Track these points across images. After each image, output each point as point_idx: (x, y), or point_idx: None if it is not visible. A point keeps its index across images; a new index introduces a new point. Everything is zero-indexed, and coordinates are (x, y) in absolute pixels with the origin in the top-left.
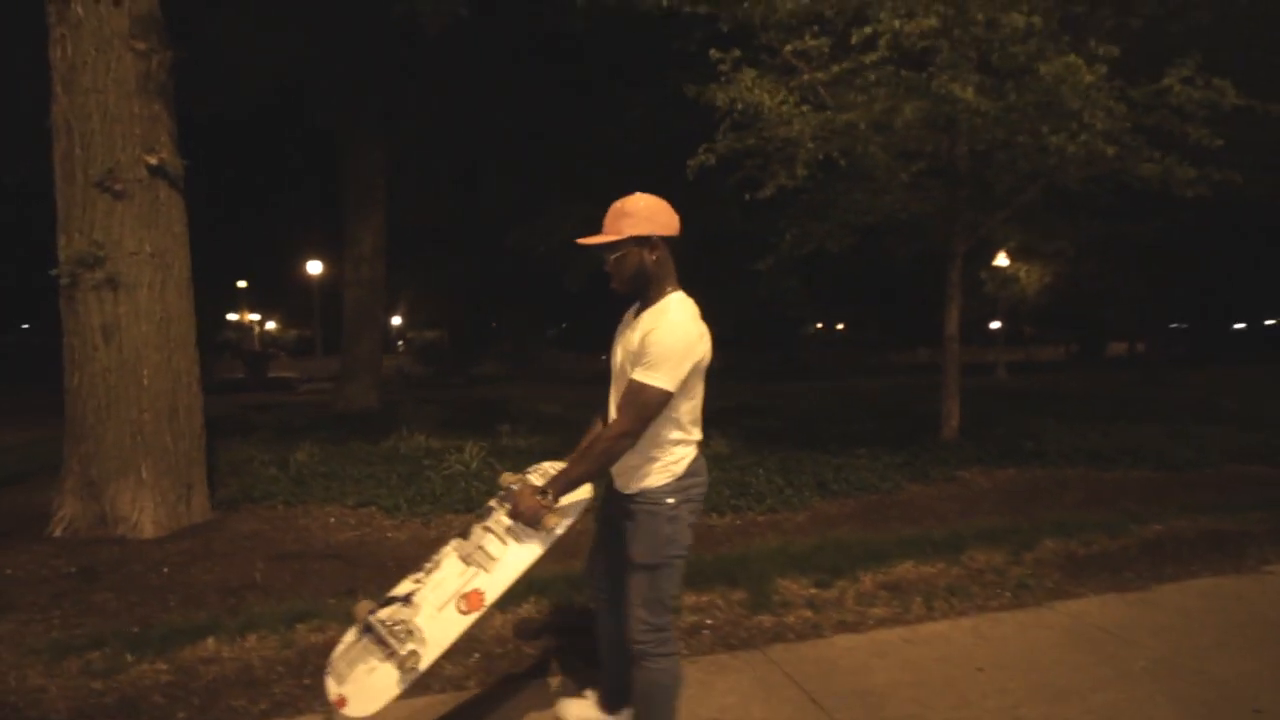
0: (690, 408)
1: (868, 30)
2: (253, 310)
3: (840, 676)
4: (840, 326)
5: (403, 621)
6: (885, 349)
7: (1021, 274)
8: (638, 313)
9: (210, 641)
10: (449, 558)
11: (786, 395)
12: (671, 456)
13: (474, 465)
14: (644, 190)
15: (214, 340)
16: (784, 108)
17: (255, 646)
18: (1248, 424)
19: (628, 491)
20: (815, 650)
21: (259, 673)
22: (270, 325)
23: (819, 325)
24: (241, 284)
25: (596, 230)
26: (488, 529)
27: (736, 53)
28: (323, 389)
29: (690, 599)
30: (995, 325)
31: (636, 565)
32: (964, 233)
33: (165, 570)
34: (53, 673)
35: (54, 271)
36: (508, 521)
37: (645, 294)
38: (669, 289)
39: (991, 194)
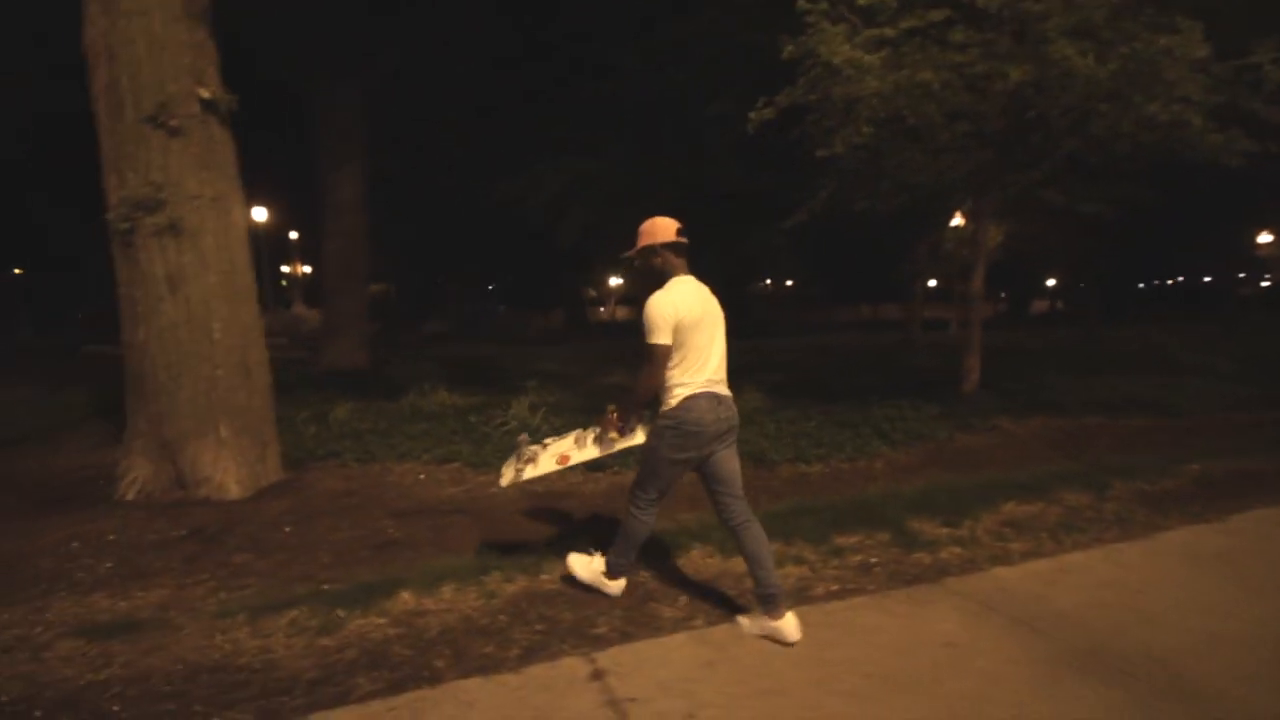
0: (681, 357)
1: None
2: None
3: (1027, 602)
4: (789, 283)
5: (531, 451)
6: (832, 306)
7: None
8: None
9: (406, 595)
10: (567, 437)
11: (771, 351)
12: (672, 396)
13: (535, 421)
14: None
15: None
16: (867, 59)
17: (455, 598)
18: (1209, 375)
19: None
20: (984, 582)
21: (483, 622)
22: None
23: (768, 282)
24: None
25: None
26: (586, 433)
27: (824, 5)
28: (276, 343)
29: (845, 540)
30: (932, 283)
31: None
32: (996, 193)
33: (287, 529)
34: (261, 632)
35: (108, 215)
36: (592, 433)
37: (660, 283)
38: (676, 276)
39: (1018, 157)
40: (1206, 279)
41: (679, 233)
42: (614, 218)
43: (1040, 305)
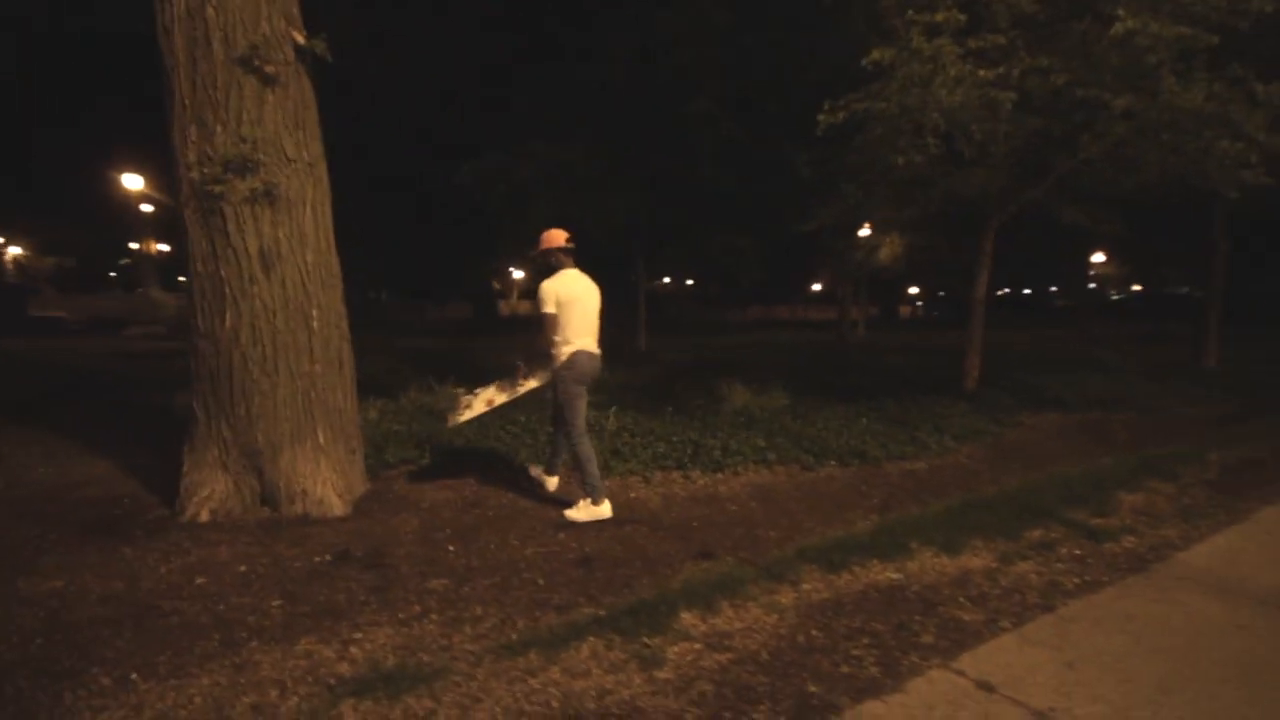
0: (566, 323)
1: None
2: None
3: (1239, 582)
4: (690, 283)
5: (468, 400)
6: (726, 306)
7: (885, 244)
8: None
9: (688, 615)
10: (489, 387)
11: (721, 348)
12: (562, 352)
13: (610, 425)
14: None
15: None
16: (956, 70)
17: (739, 615)
18: (1136, 375)
19: (553, 366)
20: (1191, 562)
21: (799, 639)
22: (14, 251)
23: (666, 280)
24: None
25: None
26: (502, 383)
27: (937, 16)
28: (152, 332)
29: (1031, 533)
30: (816, 287)
31: (557, 401)
32: (1003, 205)
33: (451, 548)
34: (572, 670)
35: (189, 174)
36: (507, 382)
37: (553, 274)
38: (564, 269)
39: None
40: (1026, 291)
41: (568, 240)
42: (582, 208)
43: (905, 311)
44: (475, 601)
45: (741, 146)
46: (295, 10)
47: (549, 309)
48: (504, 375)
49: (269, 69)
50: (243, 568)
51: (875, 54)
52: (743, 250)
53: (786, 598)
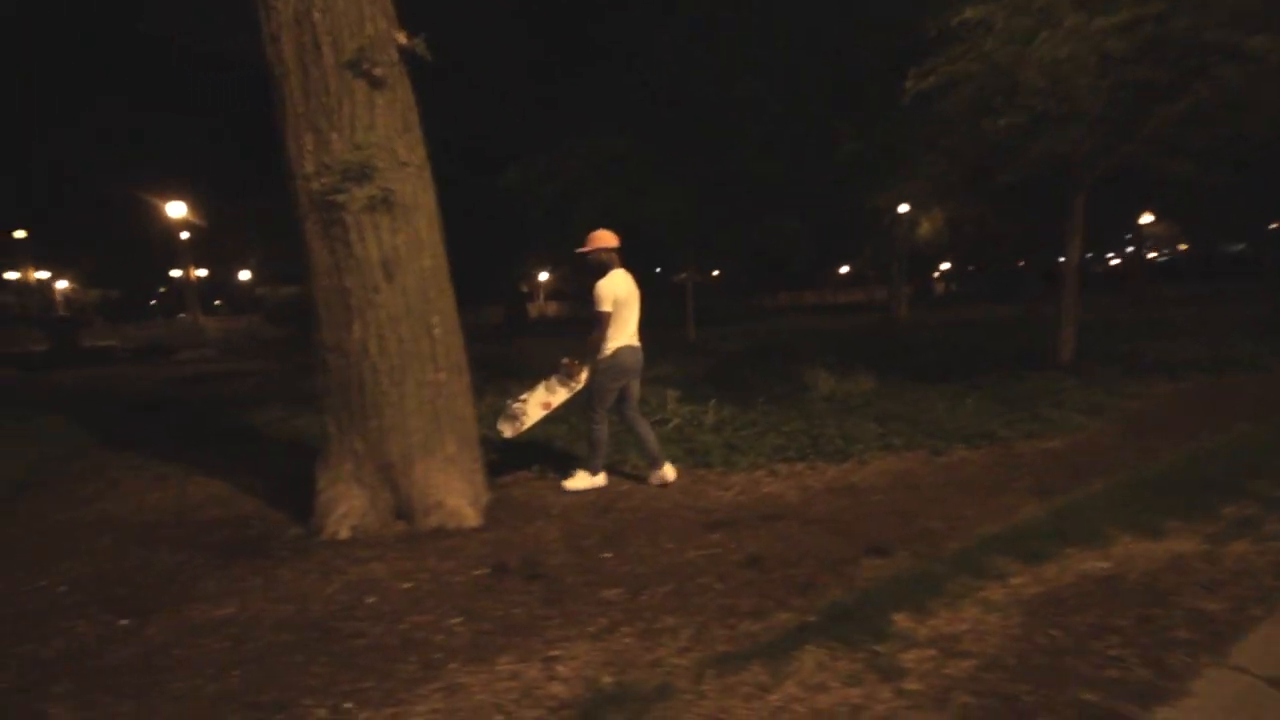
0: (614, 321)
1: None
2: (38, 267)
3: None
4: (715, 274)
5: (519, 408)
6: (752, 295)
7: (924, 220)
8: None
9: (899, 616)
10: (537, 390)
11: (777, 335)
12: (608, 347)
13: (710, 419)
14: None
15: None
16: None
17: (953, 616)
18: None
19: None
20: None
21: (1069, 641)
22: (61, 285)
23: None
24: (20, 234)
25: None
26: (551, 382)
27: None
28: (204, 355)
29: (1229, 510)
30: (843, 270)
31: (588, 388)
32: (1094, 163)
33: (606, 555)
34: (809, 684)
35: (309, 185)
36: (556, 380)
37: (603, 273)
38: (614, 269)
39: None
40: (1061, 259)
41: (619, 241)
42: (630, 203)
43: (939, 287)
44: (660, 611)
45: (792, 125)
46: (392, 10)
47: (606, 308)
48: (549, 375)
49: (377, 71)
50: (406, 585)
51: (970, 11)
52: (793, 233)
53: (997, 594)
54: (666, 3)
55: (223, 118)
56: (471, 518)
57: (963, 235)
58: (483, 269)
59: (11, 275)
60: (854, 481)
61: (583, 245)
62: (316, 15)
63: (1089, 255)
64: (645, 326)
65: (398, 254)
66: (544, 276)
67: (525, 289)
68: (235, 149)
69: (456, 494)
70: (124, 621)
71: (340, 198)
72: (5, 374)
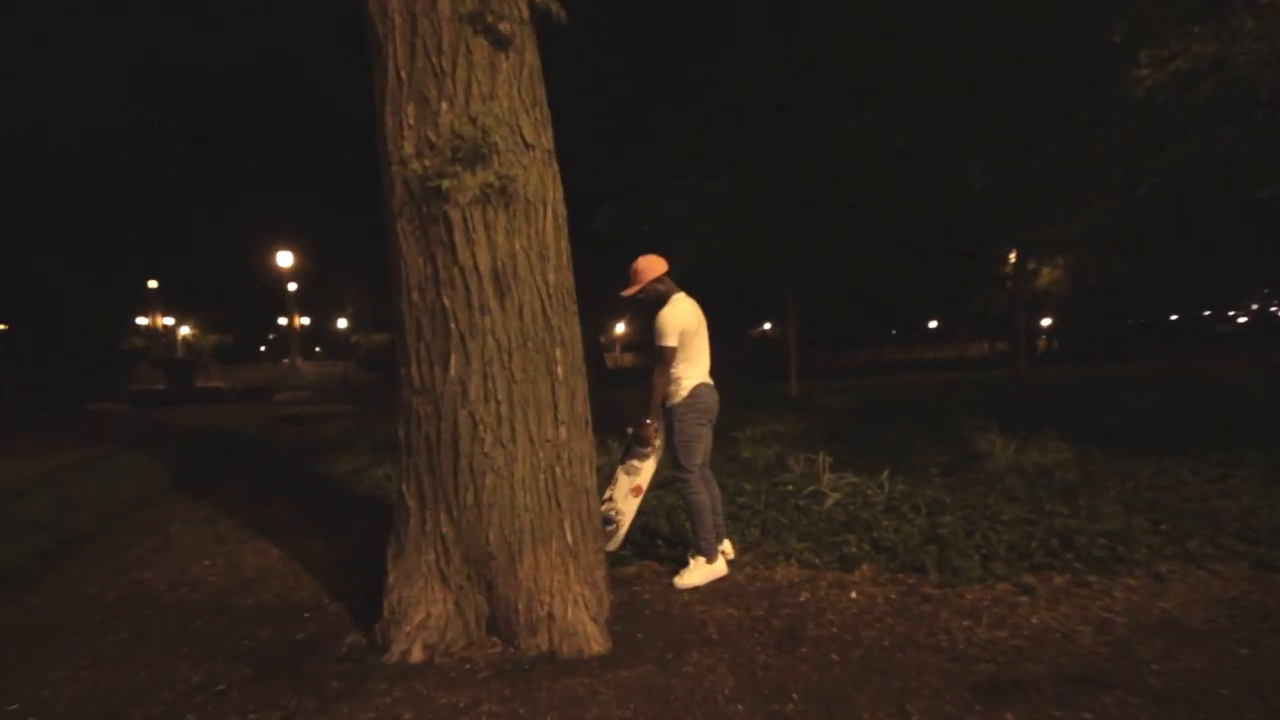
0: (685, 356)
1: None
2: (166, 314)
3: None
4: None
5: (612, 508)
6: (834, 349)
7: (1044, 269)
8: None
9: None
10: (619, 479)
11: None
12: (682, 388)
13: (880, 499)
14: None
15: (122, 347)
16: None
17: None
18: None
19: (668, 405)
20: None
21: None
22: (184, 331)
23: (767, 326)
24: (152, 284)
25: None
26: (629, 463)
27: None
28: (299, 398)
29: None
30: (932, 324)
31: (671, 445)
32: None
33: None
34: None
35: (411, 167)
36: (634, 457)
37: (663, 303)
38: (675, 294)
39: None
40: (1173, 316)
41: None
42: (730, 241)
43: (1041, 344)
44: None
45: (915, 158)
46: None
47: (670, 342)
48: (629, 449)
49: (503, 26)
50: None
51: None
52: (914, 276)
53: None
54: (783, 35)
55: (326, 178)
56: (596, 640)
57: (1084, 286)
58: None
59: (142, 320)
60: (1175, 614)
61: (630, 286)
62: None
63: (1206, 313)
64: (721, 373)
65: (514, 263)
66: (620, 329)
67: (602, 340)
68: (335, 208)
69: (574, 602)
70: None
71: (446, 184)
72: (122, 409)
